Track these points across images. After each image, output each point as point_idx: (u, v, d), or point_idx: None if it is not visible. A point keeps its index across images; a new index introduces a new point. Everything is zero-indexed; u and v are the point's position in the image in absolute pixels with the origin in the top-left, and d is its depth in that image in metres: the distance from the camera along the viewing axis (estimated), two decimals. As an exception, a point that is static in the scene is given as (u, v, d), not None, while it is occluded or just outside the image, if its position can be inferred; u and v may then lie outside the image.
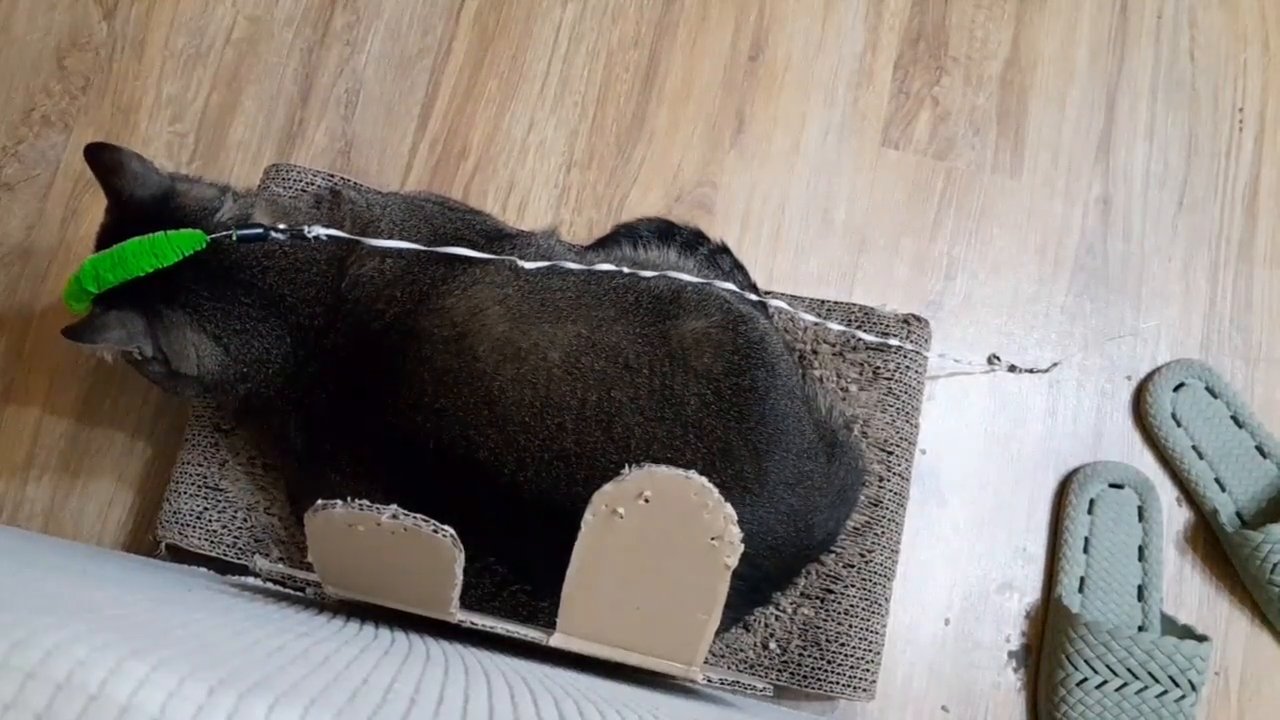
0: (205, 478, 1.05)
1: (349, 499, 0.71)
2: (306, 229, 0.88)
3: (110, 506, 1.12)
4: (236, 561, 1.03)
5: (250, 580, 1.01)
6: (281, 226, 0.88)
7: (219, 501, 1.04)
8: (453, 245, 0.91)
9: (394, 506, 0.70)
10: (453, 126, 1.20)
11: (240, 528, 1.04)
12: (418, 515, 0.70)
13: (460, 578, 0.73)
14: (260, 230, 0.87)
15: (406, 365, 0.89)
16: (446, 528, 0.71)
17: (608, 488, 0.73)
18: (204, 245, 0.87)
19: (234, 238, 0.87)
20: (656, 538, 0.74)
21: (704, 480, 0.72)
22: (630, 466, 0.72)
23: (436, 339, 0.89)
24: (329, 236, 0.88)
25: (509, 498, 0.86)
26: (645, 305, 0.93)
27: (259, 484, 1.05)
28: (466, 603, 0.78)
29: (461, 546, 0.72)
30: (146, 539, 1.09)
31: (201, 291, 0.89)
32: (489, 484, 0.86)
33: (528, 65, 1.22)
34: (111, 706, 0.35)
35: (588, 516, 0.73)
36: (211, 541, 1.04)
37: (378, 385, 0.90)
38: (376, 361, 0.90)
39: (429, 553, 0.71)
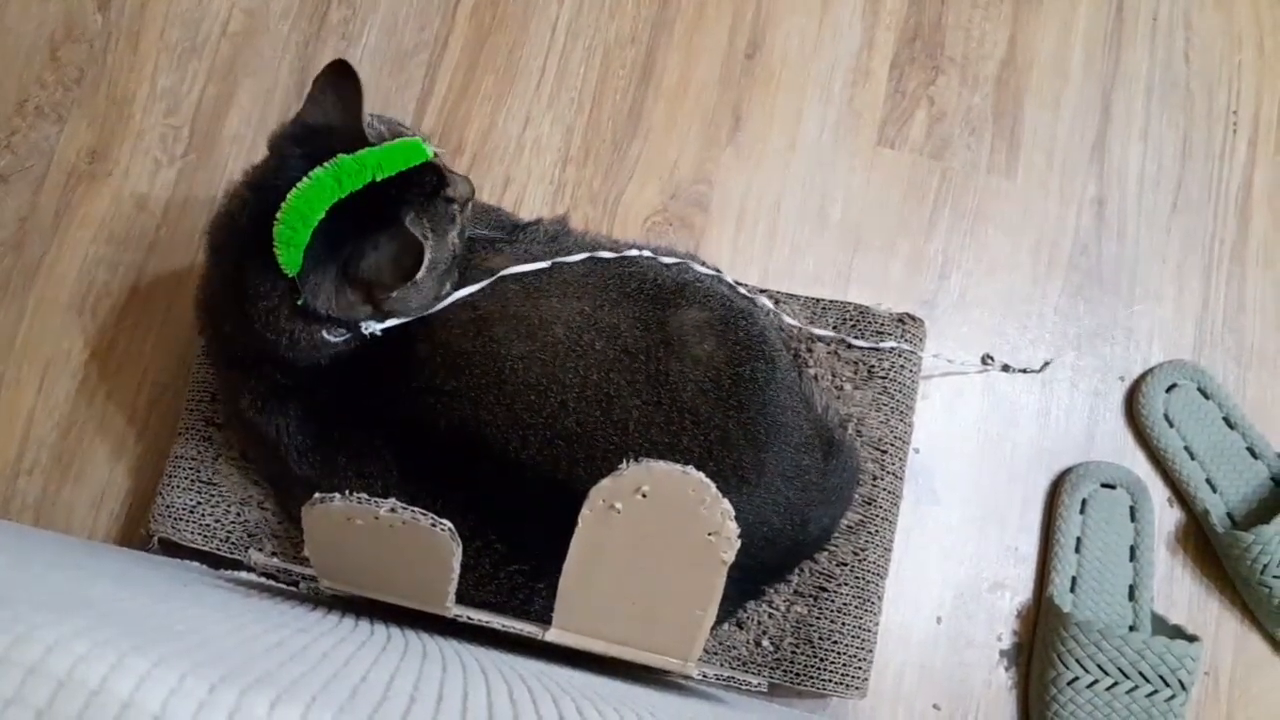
0: (198, 471, 1.05)
1: (348, 492, 0.71)
2: (364, 327, 0.88)
3: (102, 500, 1.11)
4: (229, 556, 1.03)
5: (244, 575, 1.00)
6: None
7: (212, 495, 1.04)
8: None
9: (392, 500, 0.70)
10: (448, 122, 1.20)
11: (234, 522, 1.04)
12: (416, 509, 0.70)
13: (457, 572, 0.73)
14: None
15: (420, 350, 0.90)
16: (444, 521, 0.70)
17: (605, 483, 0.73)
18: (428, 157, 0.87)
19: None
20: (653, 533, 0.74)
21: (701, 475, 0.72)
22: (627, 461, 0.72)
23: (453, 324, 0.90)
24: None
25: (512, 475, 0.86)
26: (647, 292, 0.93)
27: (252, 478, 1.04)
28: (464, 585, 0.78)
29: (459, 540, 0.71)
30: (139, 533, 1.09)
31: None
32: (493, 461, 0.86)
33: (524, 61, 1.22)
34: (113, 702, 0.35)
35: (585, 511, 0.73)
36: (205, 536, 1.03)
37: (390, 372, 0.90)
38: (390, 350, 0.90)
39: (426, 547, 0.71)
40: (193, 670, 0.37)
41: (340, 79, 0.87)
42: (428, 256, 0.82)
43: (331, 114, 0.87)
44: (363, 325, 0.88)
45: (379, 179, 0.83)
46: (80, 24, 1.22)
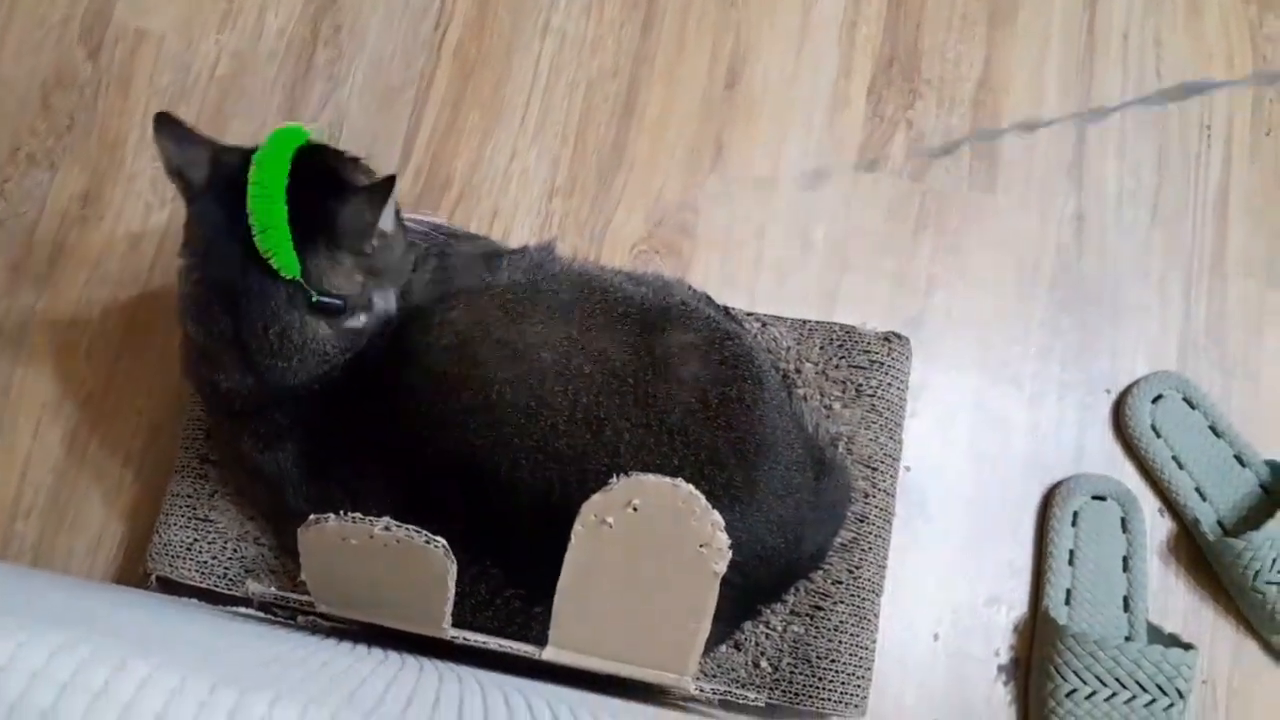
0: (195, 509, 1.05)
1: (342, 513, 0.71)
2: (374, 303, 0.92)
3: (100, 541, 1.12)
4: (227, 593, 1.03)
5: (242, 610, 1.00)
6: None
7: (209, 532, 1.04)
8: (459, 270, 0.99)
9: (386, 519, 0.71)
10: (436, 156, 1.22)
11: (230, 558, 1.04)
12: (410, 527, 0.70)
13: (453, 590, 0.74)
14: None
15: (405, 378, 0.90)
16: (439, 539, 0.71)
17: (596, 498, 0.73)
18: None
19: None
20: (645, 546, 0.74)
21: (690, 487, 0.73)
22: (618, 476, 0.73)
23: (436, 349, 0.91)
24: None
25: (504, 500, 0.86)
26: (633, 316, 0.94)
27: (248, 513, 1.05)
28: (460, 611, 0.78)
29: (454, 558, 0.72)
30: (137, 572, 1.09)
31: None
32: (485, 486, 0.87)
33: (509, 96, 1.24)
34: (115, 704, 0.36)
35: (577, 527, 0.74)
36: (202, 573, 1.04)
37: (379, 400, 0.91)
38: (376, 378, 0.91)
39: (422, 565, 0.72)
40: (193, 672, 0.38)
41: (170, 126, 0.92)
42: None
43: (197, 152, 0.92)
44: (374, 300, 0.91)
45: (293, 162, 0.88)
46: (71, 71, 1.24)
